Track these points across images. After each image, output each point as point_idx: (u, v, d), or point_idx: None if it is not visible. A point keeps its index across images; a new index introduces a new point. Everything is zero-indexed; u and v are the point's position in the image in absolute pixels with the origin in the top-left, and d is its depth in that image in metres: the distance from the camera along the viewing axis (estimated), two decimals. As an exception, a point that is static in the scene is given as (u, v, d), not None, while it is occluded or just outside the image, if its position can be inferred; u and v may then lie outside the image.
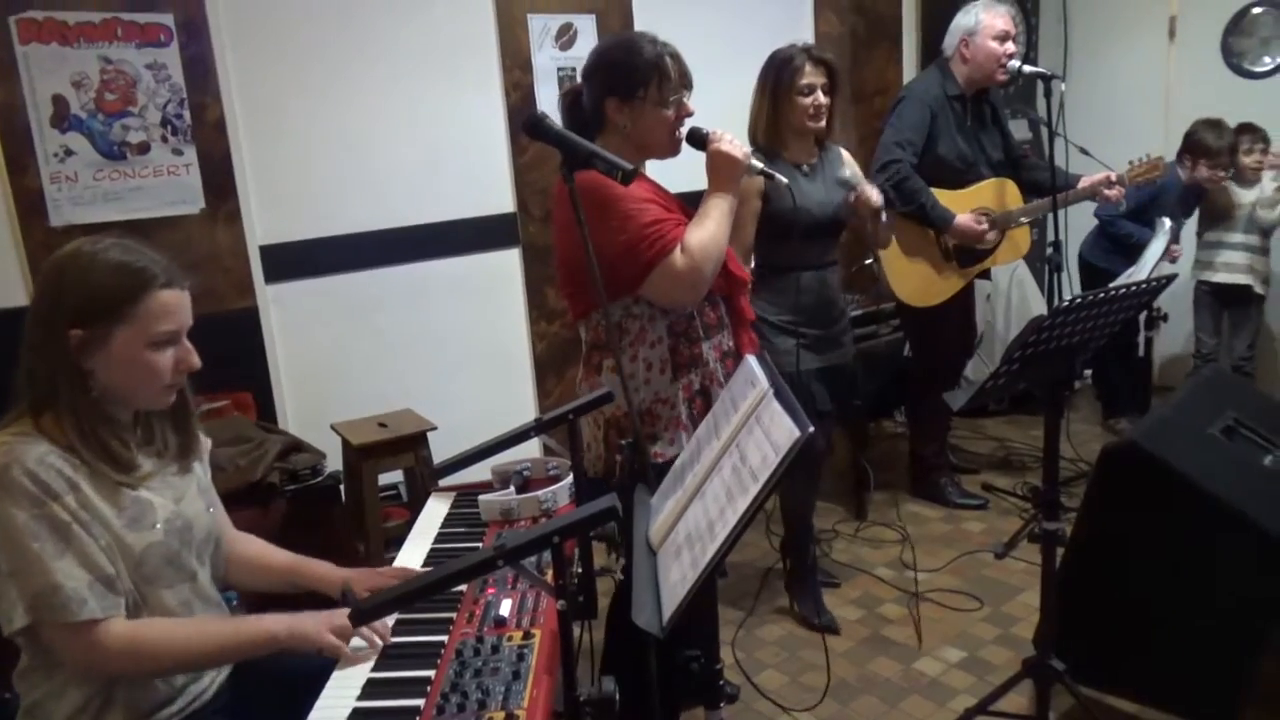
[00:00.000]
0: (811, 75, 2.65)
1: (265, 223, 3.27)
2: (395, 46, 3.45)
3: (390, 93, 3.46)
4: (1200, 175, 3.93)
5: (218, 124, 3.12)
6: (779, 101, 2.69)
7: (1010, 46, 3.29)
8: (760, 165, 2.02)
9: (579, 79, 2.07)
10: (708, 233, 1.93)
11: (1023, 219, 3.44)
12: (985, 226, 3.32)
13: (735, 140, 1.98)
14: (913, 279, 3.44)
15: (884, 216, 2.70)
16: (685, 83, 1.99)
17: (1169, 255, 3.67)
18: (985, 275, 3.82)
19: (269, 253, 3.27)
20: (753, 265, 2.74)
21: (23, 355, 1.41)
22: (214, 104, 3.10)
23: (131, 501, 1.44)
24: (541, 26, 3.72)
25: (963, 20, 3.36)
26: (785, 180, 2.11)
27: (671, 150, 2.02)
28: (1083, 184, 3.32)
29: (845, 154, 2.85)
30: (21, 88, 2.79)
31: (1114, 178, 3.30)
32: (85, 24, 2.85)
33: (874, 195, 2.63)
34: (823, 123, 2.70)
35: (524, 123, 1.70)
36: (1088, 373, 4.68)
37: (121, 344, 1.39)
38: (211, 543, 1.61)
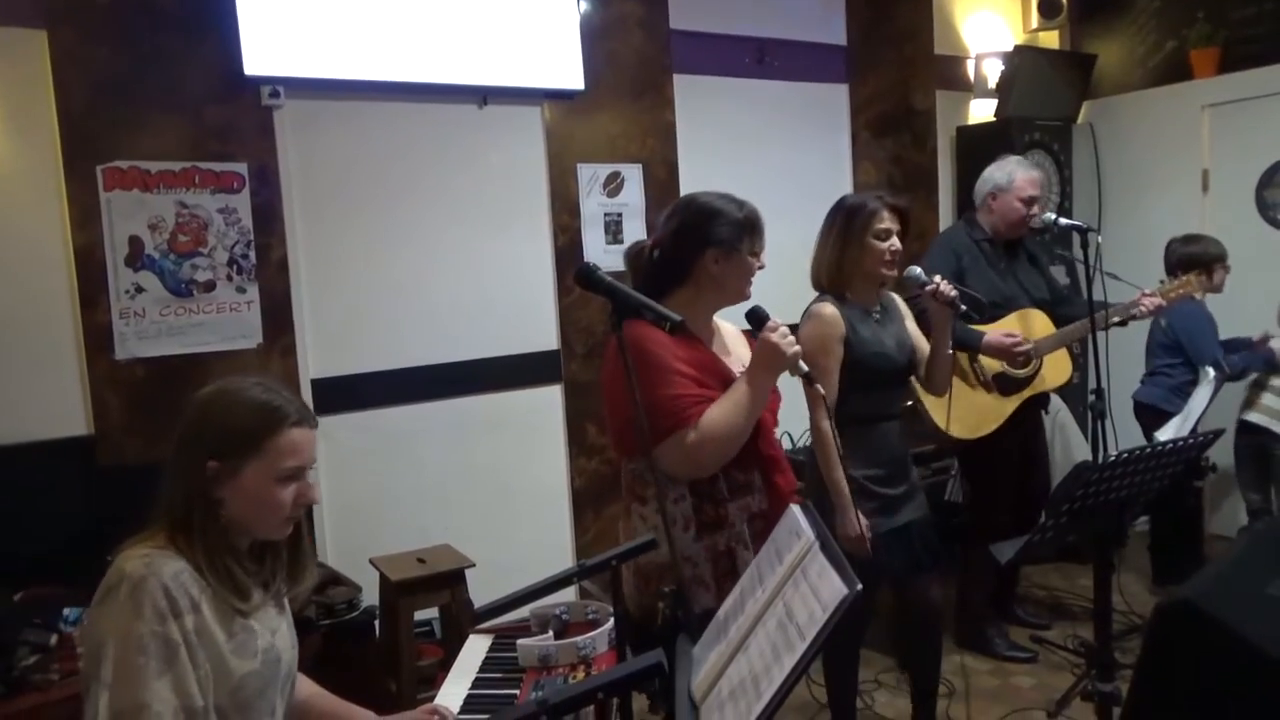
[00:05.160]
0: (888, 220, 2.60)
1: (318, 357, 3.38)
2: (451, 192, 3.63)
3: (444, 234, 3.62)
4: (1218, 282, 3.84)
5: (280, 264, 3.27)
6: (848, 246, 2.61)
7: (1034, 209, 3.38)
8: (805, 369, 1.98)
9: (650, 234, 2.18)
10: (723, 415, 1.95)
11: (1062, 343, 3.42)
12: (1017, 338, 3.27)
13: (790, 336, 1.97)
14: (956, 408, 3.34)
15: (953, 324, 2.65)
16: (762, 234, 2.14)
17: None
18: (1044, 405, 3.68)
19: (320, 386, 3.37)
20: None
21: (163, 480, 1.50)
22: (278, 245, 3.27)
23: (241, 628, 1.49)
24: (590, 175, 3.91)
25: (995, 174, 3.45)
26: (824, 391, 2.17)
27: (745, 295, 2.12)
28: (1120, 305, 3.29)
29: (900, 302, 2.81)
30: (102, 230, 2.96)
31: (1146, 291, 3.31)
32: (166, 172, 3.05)
33: (947, 286, 2.57)
34: (896, 270, 2.64)
35: (576, 274, 1.77)
36: (1144, 518, 4.52)
37: (251, 476, 1.48)
38: (291, 680, 1.62)
